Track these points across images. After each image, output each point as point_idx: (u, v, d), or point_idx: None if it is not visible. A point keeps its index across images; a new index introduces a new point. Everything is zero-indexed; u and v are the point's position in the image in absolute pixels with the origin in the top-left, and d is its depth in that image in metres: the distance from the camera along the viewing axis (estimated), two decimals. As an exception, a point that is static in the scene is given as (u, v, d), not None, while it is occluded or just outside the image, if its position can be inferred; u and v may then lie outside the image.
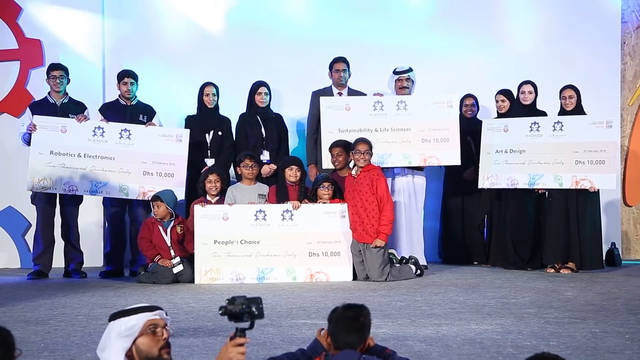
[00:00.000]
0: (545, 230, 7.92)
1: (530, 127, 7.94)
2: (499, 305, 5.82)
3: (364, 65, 8.81)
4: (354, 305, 3.28)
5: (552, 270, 7.79)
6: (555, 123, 7.86)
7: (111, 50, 9.15)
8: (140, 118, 8.08)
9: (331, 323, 3.26)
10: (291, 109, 8.99)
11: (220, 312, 2.78)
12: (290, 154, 8.46)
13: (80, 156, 7.78)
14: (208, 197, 7.72)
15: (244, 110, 8.31)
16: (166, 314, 3.10)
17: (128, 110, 8.10)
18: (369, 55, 9.12)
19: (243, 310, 2.76)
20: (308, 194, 7.65)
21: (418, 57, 8.96)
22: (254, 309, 2.76)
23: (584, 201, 7.75)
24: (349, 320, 3.21)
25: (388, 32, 9.34)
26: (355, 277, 7.43)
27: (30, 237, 8.61)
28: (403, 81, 8.27)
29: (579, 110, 7.92)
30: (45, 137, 7.73)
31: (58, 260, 8.14)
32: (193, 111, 8.33)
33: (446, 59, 9.27)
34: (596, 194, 7.78)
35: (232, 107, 8.40)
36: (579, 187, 7.69)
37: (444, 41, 9.34)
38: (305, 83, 8.73)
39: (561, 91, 7.99)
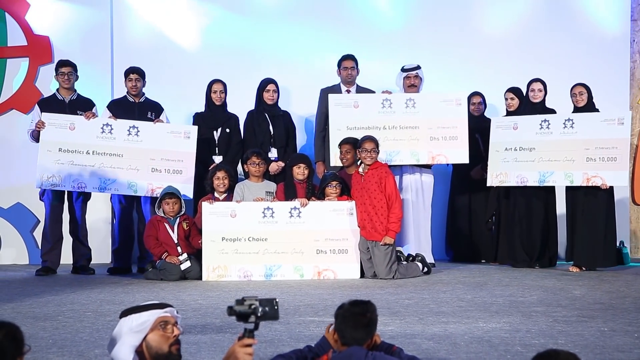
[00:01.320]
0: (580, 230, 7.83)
1: (540, 124, 7.92)
2: (507, 303, 5.81)
3: (372, 63, 8.80)
4: (360, 301, 3.28)
5: (577, 270, 7.74)
6: (565, 120, 7.84)
7: (119, 47, 9.17)
8: (149, 115, 8.09)
9: (338, 319, 3.26)
10: (299, 107, 9.00)
11: (227, 312, 2.79)
12: (298, 152, 8.46)
13: (88, 153, 7.79)
14: (216, 194, 7.73)
15: (251, 107, 8.31)
16: (177, 312, 3.11)
17: (136, 107, 8.11)
18: (377, 52, 9.11)
19: (247, 311, 2.76)
20: (316, 192, 7.65)
21: (426, 54, 8.94)
22: (259, 311, 2.76)
23: (596, 199, 7.72)
24: (356, 316, 3.21)
25: (396, 29, 9.33)
26: (362, 275, 7.43)
27: (38, 234, 8.64)
28: (411, 79, 8.26)
29: (590, 107, 7.89)
30: (53, 135, 7.74)
31: (66, 256, 8.17)
32: (201, 108, 8.33)
33: (453, 56, 9.26)
34: (608, 192, 7.74)
35: (240, 105, 8.40)
36: (590, 185, 7.67)
37: (450, 38, 9.33)
38: (313, 80, 8.73)
39: (572, 89, 7.96)
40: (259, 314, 2.76)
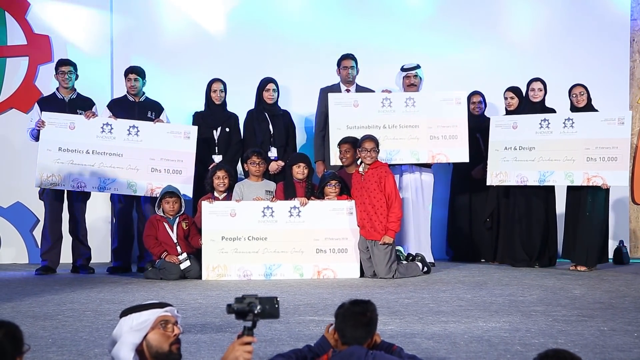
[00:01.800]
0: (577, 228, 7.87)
1: (540, 123, 7.92)
2: (506, 302, 5.81)
3: (371, 62, 8.80)
4: (360, 300, 3.29)
5: (573, 269, 7.75)
6: (565, 120, 7.83)
7: (119, 46, 9.17)
8: (149, 114, 8.09)
9: (338, 318, 3.27)
10: (299, 106, 8.99)
11: (226, 310, 2.79)
12: (298, 151, 8.46)
13: (88, 153, 7.79)
14: (215, 194, 7.73)
15: (251, 106, 8.31)
16: (177, 312, 3.12)
17: (136, 107, 8.11)
18: (376, 52, 9.11)
19: (245, 309, 2.76)
20: (315, 191, 7.65)
21: (425, 53, 8.95)
22: (257, 309, 2.76)
23: (591, 198, 7.73)
24: (356, 315, 3.22)
25: (395, 28, 9.33)
26: (362, 274, 7.43)
27: (38, 233, 8.64)
28: (411, 78, 8.27)
29: (589, 107, 7.89)
30: (53, 134, 7.74)
31: (66, 255, 8.17)
32: (201, 107, 8.33)
33: (453, 55, 9.26)
34: (604, 191, 7.75)
35: (240, 104, 8.39)
36: (590, 184, 7.67)
37: (450, 38, 9.33)
38: (313, 80, 8.73)
39: (571, 89, 7.95)
40: (255, 311, 2.76)
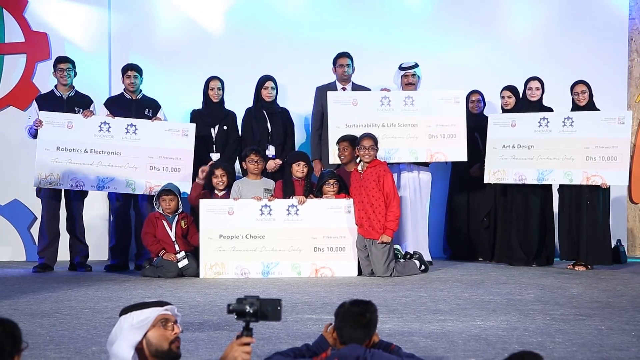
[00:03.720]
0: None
1: (539, 122, 7.91)
2: (504, 301, 5.81)
3: (368, 61, 8.79)
4: (361, 301, 3.29)
5: (570, 267, 7.76)
6: (565, 119, 7.83)
7: (117, 44, 9.15)
8: (146, 112, 8.07)
9: (338, 318, 3.27)
10: (297, 104, 8.97)
11: (227, 310, 2.80)
12: (296, 149, 8.45)
13: (86, 152, 7.79)
14: (215, 192, 7.72)
15: (249, 104, 8.30)
16: (177, 311, 3.12)
17: (133, 105, 8.10)
18: (373, 50, 9.10)
19: (242, 310, 2.77)
20: (313, 190, 7.65)
21: (423, 52, 8.94)
22: (252, 310, 2.76)
23: (594, 197, 7.73)
24: (356, 316, 3.22)
25: (393, 27, 9.32)
26: (360, 273, 7.43)
27: (35, 230, 8.63)
28: (409, 77, 8.27)
29: (591, 105, 7.88)
30: (51, 133, 7.72)
31: (63, 253, 8.16)
32: (198, 105, 8.32)
33: (451, 54, 9.25)
34: (605, 190, 7.75)
35: (238, 102, 8.38)
36: (590, 184, 7.67)
37: (449, 36, 9.33)
38: (311, 78, 8.72)
39: (573, 87, 7.93)
40: (246, 311, 2.76)
